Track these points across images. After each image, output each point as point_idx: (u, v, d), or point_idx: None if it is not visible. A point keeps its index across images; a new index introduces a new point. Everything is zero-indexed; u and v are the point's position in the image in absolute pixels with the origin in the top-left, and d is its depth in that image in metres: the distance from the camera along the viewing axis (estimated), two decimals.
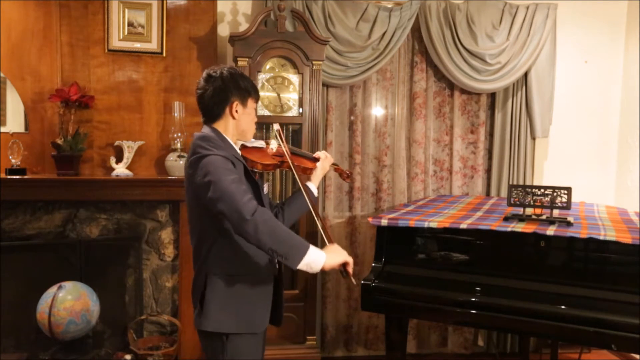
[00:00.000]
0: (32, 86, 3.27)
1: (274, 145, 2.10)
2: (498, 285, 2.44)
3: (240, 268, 1.89)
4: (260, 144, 2.10)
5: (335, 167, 2.36)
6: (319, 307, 3.64)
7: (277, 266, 2.03)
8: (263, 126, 3.28)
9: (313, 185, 2.19)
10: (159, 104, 3.42)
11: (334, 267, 1.81)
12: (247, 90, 1.94)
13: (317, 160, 2.22)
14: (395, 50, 3.57)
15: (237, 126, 1.96)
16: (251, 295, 1.91)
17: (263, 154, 2.05)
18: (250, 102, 1.97)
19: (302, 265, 1.73)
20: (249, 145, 2.05)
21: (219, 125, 1.94)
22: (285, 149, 2.05)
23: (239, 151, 1.97)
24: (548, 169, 3.93)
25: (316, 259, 1.74)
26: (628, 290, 2.26)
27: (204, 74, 1.94)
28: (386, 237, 2.68)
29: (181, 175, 3.14)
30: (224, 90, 1.90)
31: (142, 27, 3.36)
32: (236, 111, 1.93)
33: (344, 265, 1.82)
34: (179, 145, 3.29)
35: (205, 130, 1.93)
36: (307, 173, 2.21)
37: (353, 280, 1.86)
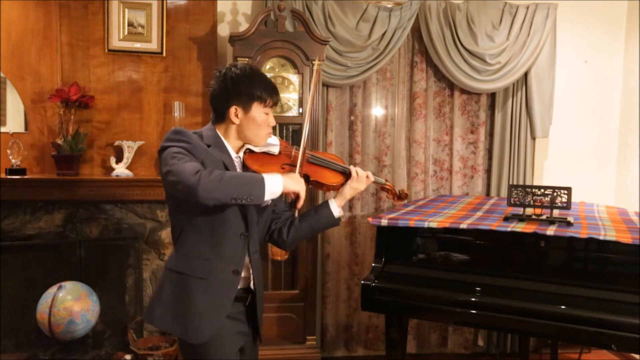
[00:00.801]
0: (32, 86, 3.27)
1: (294, 151, 1.91)
2: (498, 285, 2.44)
3: (193, 269, 1.79)
4: (273, 150, 1.88)
5: (382, 185, 2.03)
6: (319, 307, 3.64)
7: (249, 280, 1.90)
8: None
9: (334, 204, 1.94)
10: (159, 104, 3.42)
11: (289, 192, 1.74)
12: (250, 95, 1.78)
13: (347, 175, 1.94)
14: (395, 50, 3.57)
15: (240, 132, 1.83)
16: (196, 301, 1.77)
17: (270, 162, 1.85)
18: (256, 108, 1.80)
19: (268, 196, 1.68)
20: (257, 150, 1.87)
21: (220, 127, 1.85)
22: (300, 156, 1.83)
23: (233, 155, 1.84)
24: (548, 169, 3.93)
25: (275, 184, 1.69)
26: (628, 290, 2.26)
27: (214, 72, 1.87)
28: (386, 237, 2.68)
29: None
30: (224, 93, 1.80)
31: (142, 27, 3.36)
32: (236, 116, 1.80)
33: (297, 195, 1.76)
34: None
35: (205, 127, 1.87)
36: (326, 190, 1.95)
37: (296, 213, 1.81)
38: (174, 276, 1.81)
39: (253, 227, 1.87)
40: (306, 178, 1.88)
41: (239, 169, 1.85)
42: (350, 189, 1.94)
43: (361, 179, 1.94)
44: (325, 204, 1.96)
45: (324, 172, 1.93)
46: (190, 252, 1.80)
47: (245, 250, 1.86)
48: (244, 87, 1.79)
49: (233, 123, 1.82)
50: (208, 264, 1.79)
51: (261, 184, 1.67)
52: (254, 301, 1.93)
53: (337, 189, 1.94)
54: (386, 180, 2.08)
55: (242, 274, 1.86)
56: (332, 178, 1.92)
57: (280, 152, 1.90)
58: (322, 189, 1.96)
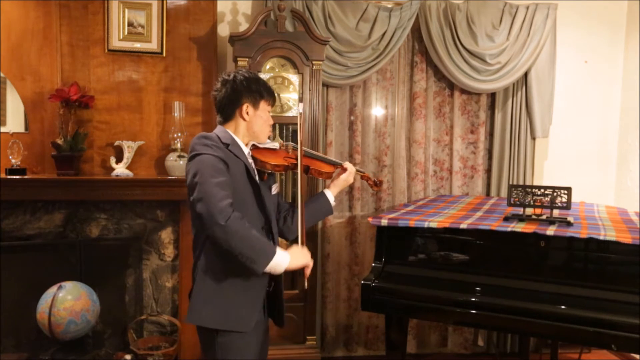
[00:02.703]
0: (32, 86, 3.27)
1: (290, 148, 2.15)
2: (498, 285, 2.44)
3: (229, 265, 1.89)
4: (274, 145, 2.12)
5: (362, 174, 2.34)
6: (319, 307, 3.64)
7: None
8: None
9: (330, 193, 2.20)
10: (159, 104, 3.42)
11: (296, 269, 1.93)
12: (259, 93, 2.00)
13: (338, 166, 2.23)
14: (395, 50, 3.57)
15: (249, 128, 2.02)
16: (239, 293, 1.92)
17: (274, 155, 2.08)
18: (263, 105, 2.03)
19: (267, 269, 1.84)
20: (261, 146, 2.08)
21: (230, 126, 2.01)
22: (299, 150, 2.06)
23: (245, 150, 2.00)
24: (548, 169, 3.93)
25: (280, 262, 1.85)
26: (628, 290, 2.26)
27: (220, 77, 2.03)
28: (386, 237, 2.68)
29: (181, 175, 3.15)
30: (235, 92, 1.97)
31: (142, 27, 3.36)
32: (247, 113, 1.99)
33: (305, 267, 1.95)
34: (179, 145, 3.29)
35: (216, 129, 2.00)
36: (324, 177, 2.21)
37: (306, 284, 1.99)
38: (212, 275, 1.92)
39: (272, 219, 2.04)
40: (307, 169, 2.14)
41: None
42: (343, 181, 2.21)
43: (352, 173, 2.23)
44: (322, 194, 2.21)
45: (319, 163, 2.21)
46: (222, 252, 1.88)
47: (269, 240, 2.01)
48: (254, 86, 2.00)
49: (244, 120, 2.01)
50: None
51: (268, 257, 1.82)
52: (273, 291, 2.07)
53: (332, 176, 2.22)
54: (364, 171, 2.41)
55: None
56: (326, 167, 2.21)
57: (279, 148, 2.14)
58: (321, 177, 2.20)
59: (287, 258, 1.87)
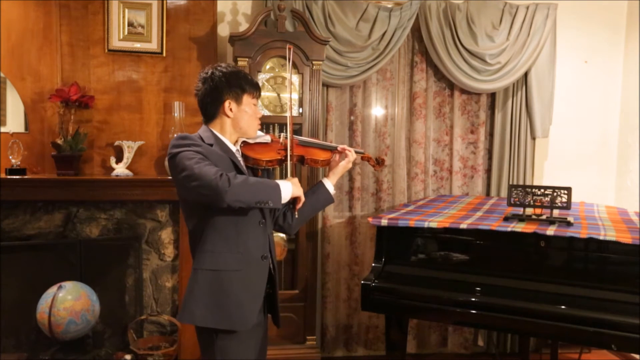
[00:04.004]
0: (32, 86, 3.27)
1: (283, 138, 2.08)
2: (498, 285, 2.44)
3: (225, 263, 1.88)
4: (265, 139, 2.06)
5: (362, 154, 2.24)
6: (319, 307, 3.64)
7: (270, 265, 2.01)
8: (263, 126, 3.28)
9: (329, 183, 2.11)
10: (159, 104, 3.42)
11: (294, 197, 1.93)
12: (240, 87, 1.92)
13: (336, 151, 2.12)
14: (395, 50, 3.57)
15: (235, 125, 1.95)
16: (235, 292, 1.88)
17: (267, 149, 2.01)
18: (247, 99, 1.95)
19: (283, 200, 1.87)
20: (251, 141, 2.02)
21: (215, 125, 1.95)
22: (289, 141, 2.00)
23: (233, 148, 1.95)
24: (548, 169, 3.93)
25: (287, 191, 1.88)
26: (628, 290, 2.26)
27: (199, 75, 1.96)
28: (386, 237, 2.68)
29: None
30: (215, 90, 1.91)
31: (142, 27, 3.36)
32: (230, 109, 1.92)
33: (296, 199, 1.95)
34: None
35: (200, 130, 1.96)
36: (321, 165, 2.13)
37: (296, 214, 2.00)
38: (207, 274, 1.89)
39: (267, 214, 2.01)
40: (302, 159, 2.06)
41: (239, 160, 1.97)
42: (342, 168, 2.11)
43: (347, 154, 2.11)
44: (320, 183, 2.11)
45: (314, 150, 2.11)
46: (217, 249, 1.89)
47: (265, 236, 1.99)
48: (234, 81, 1.92)
49: (228, 117, 1.94)
50: (238, 255, 1.90)
51: (277, 190, 1.85)
52: (271, 292, 2.04)
53: (330, 163, 2.13)
54: (364, 151, 2.30)
55: None
56: (323, 154, 2.11)
57: (272, 141, 2.08)
58: (318, 166, 2.13)
59: (290, 185, 1.90)
